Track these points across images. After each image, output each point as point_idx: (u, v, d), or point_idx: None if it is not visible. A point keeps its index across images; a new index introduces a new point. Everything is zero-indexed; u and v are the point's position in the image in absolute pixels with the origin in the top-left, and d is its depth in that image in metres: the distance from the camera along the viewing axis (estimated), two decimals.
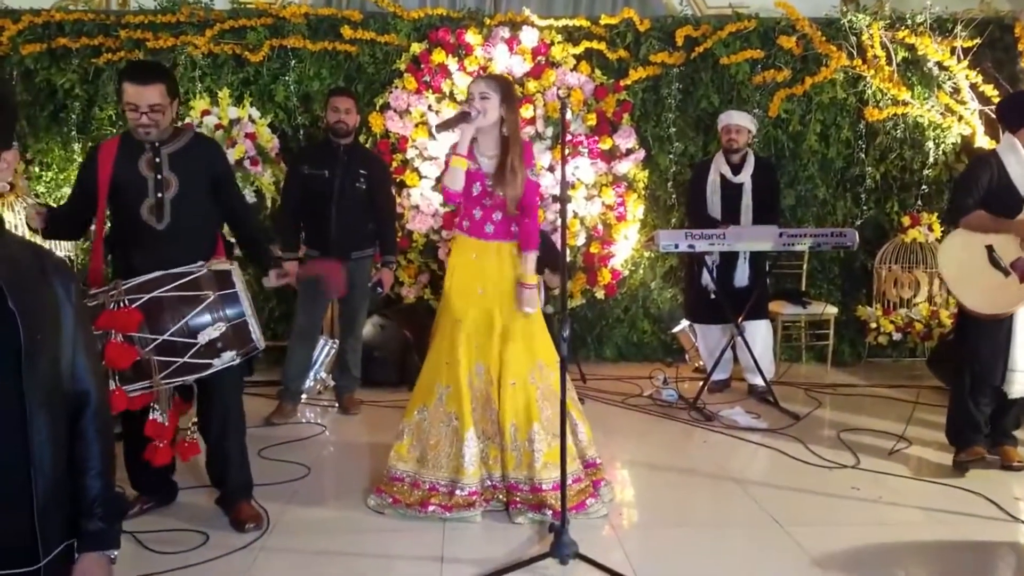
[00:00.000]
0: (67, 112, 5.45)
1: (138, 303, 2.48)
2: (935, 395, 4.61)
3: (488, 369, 2.95)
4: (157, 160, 2.77)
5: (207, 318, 2.54)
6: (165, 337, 2.48)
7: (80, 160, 5.43)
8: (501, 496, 2.98)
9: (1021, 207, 3.32)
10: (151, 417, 2.64)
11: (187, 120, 5.27)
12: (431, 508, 2.89)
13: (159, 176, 2.76)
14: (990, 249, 3.36)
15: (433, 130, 5.12)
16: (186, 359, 2.52)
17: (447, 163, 2.95)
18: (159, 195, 2.76)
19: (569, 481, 2.83)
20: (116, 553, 1.51)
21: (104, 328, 2.45)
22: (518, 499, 2.92)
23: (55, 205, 3.47)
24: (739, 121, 4.58)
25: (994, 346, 3.35)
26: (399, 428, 3.03)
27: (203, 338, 2.51)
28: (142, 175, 2.76)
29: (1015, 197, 3.34)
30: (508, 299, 2.97)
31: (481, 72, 5.32)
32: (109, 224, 2.92)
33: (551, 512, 2.82)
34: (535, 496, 2.88)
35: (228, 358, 2.60)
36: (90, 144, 5.44)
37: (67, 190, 5.46)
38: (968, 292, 3.43)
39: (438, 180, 5.36)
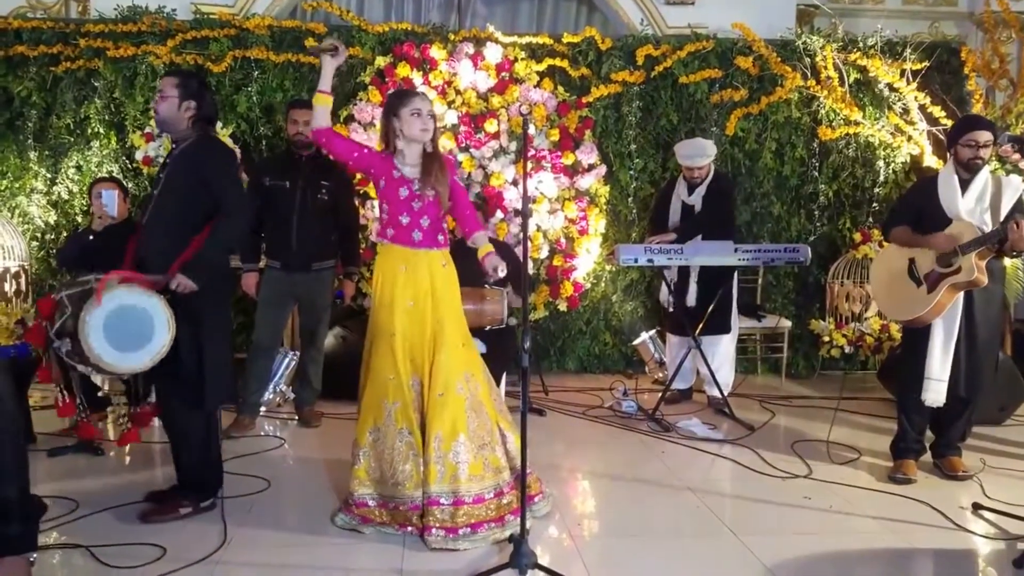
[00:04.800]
0: (24, 120, 5.37)
1: (55, 295, 2.84)
2: (885, 407, 4.74)
3: (422, 382, 2.93)
4: (167, 159, 3.09)
5: (64, 330, 2.77)
6: (50, 334, 2.79)
7: (35, 169, 5.37)
8: (416, 520, 2.88)
9: (947, 225, 3.48)
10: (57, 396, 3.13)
11: (147, 130, 5.23)
12: (409, 529, 2.88)
13: (161, 174, 3.05)
14: (911, 261, 3.57)
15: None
16: (62, 356, 2.79)
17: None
18: (154, 192, 3.04)
19: (491, 494, 2.88)
20: (35, 556, 1.48)
21: (37, 310, 2.87)
22: (434, 523, 2.81)
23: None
24: (699, 163, 4.62)
25: (917, 356, 3.54)
26: (354, 452, 2.99)
27: (60, 345, 2.75)
28: (160, 173, 3.09)
29: (940, 216, 3.51)
30: (438, 309, 2.94)
31: (445, 87, 5.37)
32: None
33: (470, 529, 2.81)
34: (456, 510, 2.82)
35: (84, 370, 2.85)
36: (46, 153, 5.38)
37: (22, 199, 5.39)
38: (886, 300, 3.73)
39: None
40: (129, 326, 2.76)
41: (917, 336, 3.57)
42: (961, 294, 3.46)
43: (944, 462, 3.65)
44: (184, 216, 2.95)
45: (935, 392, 3.51)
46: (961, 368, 3.49)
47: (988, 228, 3.40)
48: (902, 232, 3.63)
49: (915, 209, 3.64)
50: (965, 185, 3.49)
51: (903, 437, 3.68)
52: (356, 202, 4.62)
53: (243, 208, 3.04)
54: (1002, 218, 3.40)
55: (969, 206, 3.46)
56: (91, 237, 4.10)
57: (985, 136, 3.44)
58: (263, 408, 4.49)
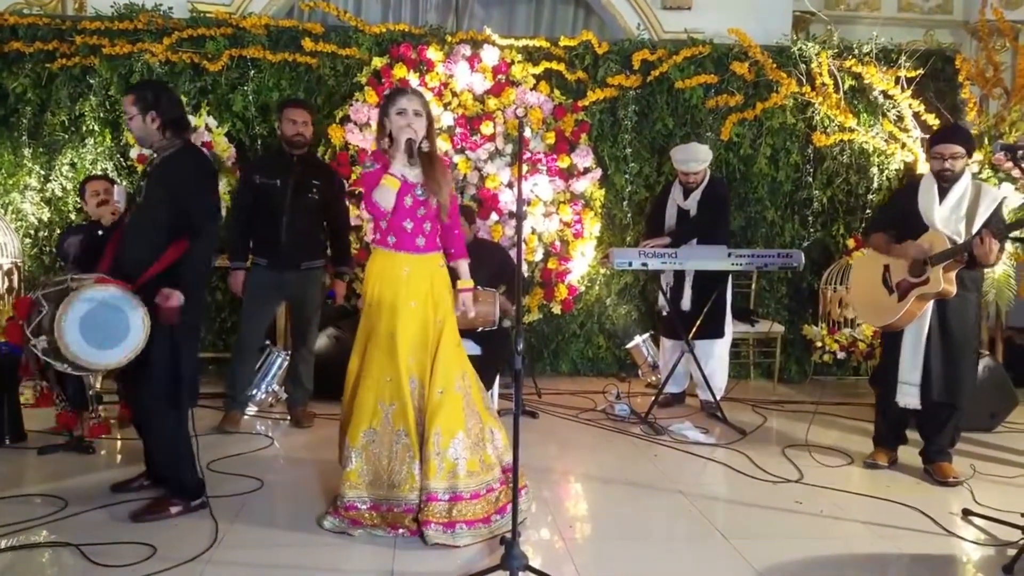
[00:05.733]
0: (18, 117, 5.35)
1: (32, 295, 2.92)
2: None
3: (421, 383, 2.94)
4: (148, 168, 3.18)
5: (40, 328, 2.84)
6: (27, 332, 2.85)
7: (29, 166, 5.35)
8: (409, 523, 2.88)
9: (924, 231, 3.57)
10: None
11: None
12: (400, 531, 2.88)
13: (143, 183, 3.12)
14: (886, 268, 3.68)
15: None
16: (38, 353, 2.85)
17: (376, 181, 2.88)
18: (137, 199, 3.15)
19: (484, 491, 2.90)
20: None
21: (13, 310, 2.92)
22: (432, 517, 2.82)
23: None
24: (695, 168, 4.63)
25: (891, 360, 3.67)
26: (345, 453, 2.97)
27: (37, 343, 2.83)
28: (142, 182, 3.19)
29: (919, 222, 3.59)
30: (438, 310, 2.98)
31: (442, 89, 5.38)
32: None
33: (466, 525, 2.82)
34: (452, 506, 2.84)
35: (61, 367, 2.89)
36: (40, 150, 5.37)
37: (16, 195, 5.38)
38: (861, 305, 3.87)
39: None
40: (105, 324, 2.83)
41: (892, 340, 3.70)
42: (931, 303, 3.54)
43: (935, 468, 3.67)
44: (157, 228, 2.95)
45: (906, 395, 3.63)
46: (933, 373, 3.57)
47: (962, 238, 3.47)
48: (878, 239, 3.74)
49: (898, 213, 3.73)
50: (944, 193, 3.56)
51: (877, 430, 3.88)
52: (349, 203, 4.62)
53: (211, 229, 3.01)
54: (976, 228, 3.46)
55: (944, 215, 3.54)
56: (99, 232, 4.10)
57: (951, 149, 3.52)
58: (255, 407, 4.48)
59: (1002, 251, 3.47)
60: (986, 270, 4.88)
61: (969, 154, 3.58)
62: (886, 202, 3.97)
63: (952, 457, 3.72)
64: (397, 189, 2.87)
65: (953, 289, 3.46)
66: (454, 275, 3.18)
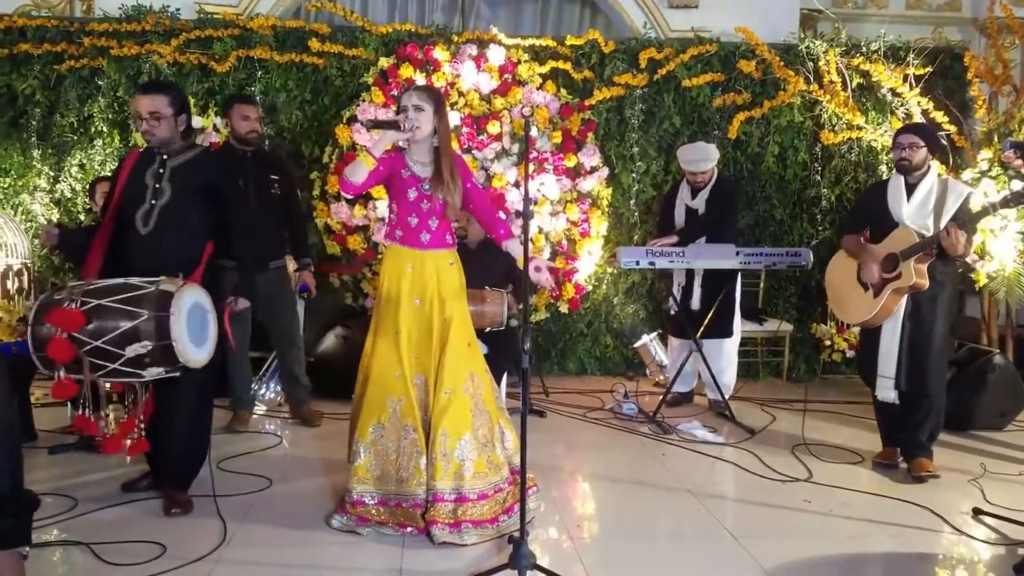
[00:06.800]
0: (27, 119, 5.39)
1: (87, 307, 2.69)
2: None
3: (427, 380, 2.95)
4: (161, 171, 3.07)
5: (138, 334, 2.71)
6: (98, 344, 2.67)
7: (39, 167, 5.39)
8: (419, 519, 2.88)
9: (895, 229, 3.63)
10: (78, 413, 2.86)
11: None
12: (409, 530, 2.88)
13: (157, 185, 3.03)
14: (859, 267, 3.74)
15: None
16: (116, 366, 2.72)
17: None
18: (152, 202, 3.03)
19: (492, 491, 2.90)
20: (28, 550, 1.51)
21: (52, 324, 2.66)
22: (439, 518, 2.83)
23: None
24: (702, 168, 4.61)
25: (871, 356, 3.73)
26: (353, 448, 2.98)
27: (130, 352, 2.69)
28: (145, 183, 3.06)
29: (889, 220, 3.66)
30: (445, 309, 2.96)
31: (448, 88, 5.38)
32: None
33: (472, 524, 2.83)
34: (458, 507, 2.85)
35: (155, 372, 2.79)
36: (50, 151, 5.40)
37: (25, 196, 5.40)
38: (838, 304, 3.93)
39: None
40: (199, 323, 2.90)
41: (870, 337, 3.75)
42: (906, 297, 3.59)
43: (913, 463, 3.67)
44: (199, 226, 3.08)
45: (883, 388, 3.68)
46: (903, 365, 3.61)
47: (930, 232, 3.52)
48: (849, 240, 3.84)
49: (869, 212, 3.80)
50: (912, 191, 3.62)
51: (879, 427, 3.91)
52: (356, 204, 4.60)
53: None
54: (944, 223, 3.50)
55: (912, 212, 3.60)
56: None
57: (909, 138, 3.60)
58: (264, 407, 4.49)
59: (970, 242, 3.54)
60: (996, 268, 4.89)
61: (930, 150, 3.63)
62: (856, 202, 3.99)
63: (932, 453, 3.71)
64: (372, 167, 2.86)
65: (925, 282, 3.53)
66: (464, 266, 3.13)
